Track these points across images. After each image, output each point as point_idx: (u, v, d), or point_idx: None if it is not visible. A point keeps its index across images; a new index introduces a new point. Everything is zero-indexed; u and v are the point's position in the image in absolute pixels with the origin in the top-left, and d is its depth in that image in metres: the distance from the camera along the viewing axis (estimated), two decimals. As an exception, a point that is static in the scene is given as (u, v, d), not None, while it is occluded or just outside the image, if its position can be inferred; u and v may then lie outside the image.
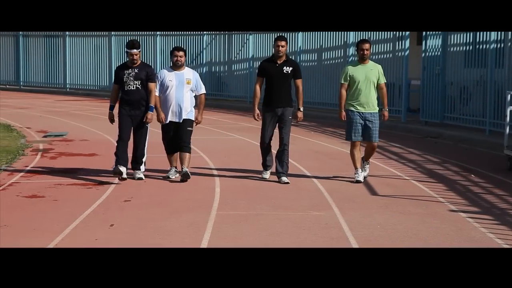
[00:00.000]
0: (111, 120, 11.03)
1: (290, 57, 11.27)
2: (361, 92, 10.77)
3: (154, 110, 10.79)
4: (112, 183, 10.54)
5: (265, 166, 11.14)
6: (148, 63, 27.45)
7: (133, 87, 10.75)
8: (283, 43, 10.85)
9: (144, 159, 10.98)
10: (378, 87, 10.90)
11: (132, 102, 10.77)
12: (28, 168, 11.94)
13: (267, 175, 11.07)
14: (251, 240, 7.68)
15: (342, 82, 10.89)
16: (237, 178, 11.15)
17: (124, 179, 10.52)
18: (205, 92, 11.19)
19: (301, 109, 11.01)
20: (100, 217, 8.67)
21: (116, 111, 10.93)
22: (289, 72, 10.84)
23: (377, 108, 10.91)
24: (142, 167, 10.99)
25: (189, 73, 11.02)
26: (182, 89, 10.88)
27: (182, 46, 26.61)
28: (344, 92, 10.87)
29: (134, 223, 8.41)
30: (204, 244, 7.50)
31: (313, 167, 12.06)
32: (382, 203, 9.57)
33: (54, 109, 23.00)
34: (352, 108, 10.82)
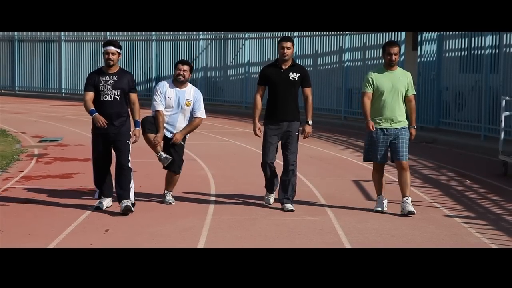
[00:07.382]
0: (101, 120, 8.98)
1: (297, 62, 9.82)
2: (386, 104, 9.15)
3: (140, 126, 9.33)
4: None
5: (270, 188, 9.58)
6: (147, 68, 27.90)
7: (111, 97, 9.07)
8: (288, 44, 9.28)
9: (131, 185, 9.23)
10: (406, 100, 9.28)
11: (107, 116, 9.04)
12: (23, 173, 11.93)
13: (271, 199, 9.61)
14: (246, 245, 7.66)
15: (366, 90, 9.19)
16: (232, 183, 11.14)
17: (99, 208, 9.25)
18: (203, 116, 9.71)
19: (310, 122, 9.47)
20: (95, 222, 8.66)
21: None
22: (296, 79, 9.32)
23: (406, 122, 9.33)
24: (132, 195, 9.23)
25: (190, 93, 9.58)
26: (178, 110, 9.56)
27: (179, 51, 26.97)
28: (368, 100, 9.18)
29: (130, 228, 8.41)
30: (199, 249, 7.50)
31: (309, 172, 12.05)
32: (378, 208, 9.58)
33: (49, 114, 22.98)
34: (375, 125, 9.23)
